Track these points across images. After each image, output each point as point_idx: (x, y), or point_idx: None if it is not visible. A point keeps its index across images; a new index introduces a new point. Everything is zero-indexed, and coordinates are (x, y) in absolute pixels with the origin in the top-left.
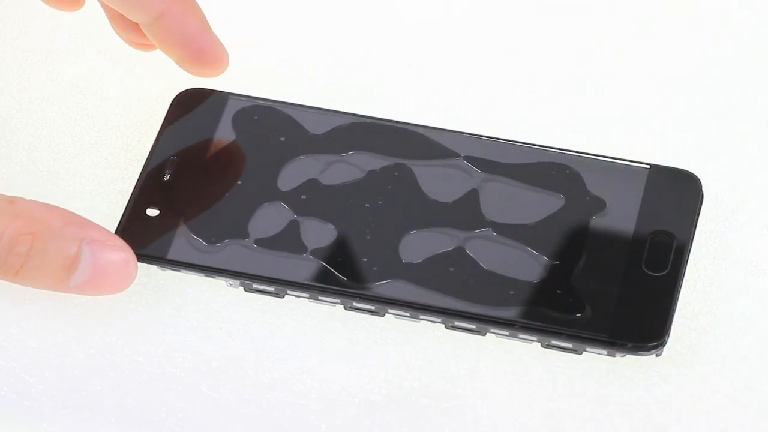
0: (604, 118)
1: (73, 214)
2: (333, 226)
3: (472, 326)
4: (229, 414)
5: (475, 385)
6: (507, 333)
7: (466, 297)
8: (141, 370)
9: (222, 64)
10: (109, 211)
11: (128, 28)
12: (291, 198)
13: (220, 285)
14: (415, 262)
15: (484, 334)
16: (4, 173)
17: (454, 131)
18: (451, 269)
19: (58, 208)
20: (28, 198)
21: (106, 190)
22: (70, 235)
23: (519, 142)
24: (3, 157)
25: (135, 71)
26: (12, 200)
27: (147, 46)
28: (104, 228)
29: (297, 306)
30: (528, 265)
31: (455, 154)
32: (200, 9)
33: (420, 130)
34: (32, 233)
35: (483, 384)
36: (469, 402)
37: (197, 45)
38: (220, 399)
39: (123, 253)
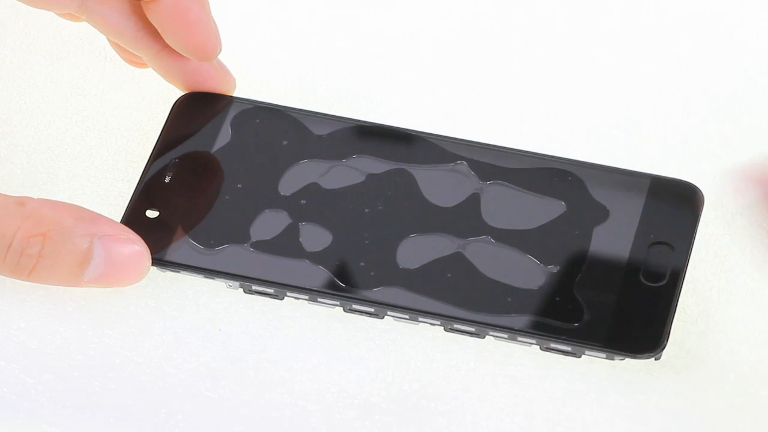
0: (605, 127)
1: (84, 209)
2: (333, 231)
3: (471, 329)
4: (228, 415)
5: (474, 386)
6: (506, 336)
7: (464, 303)
8: (140, 371)
9: (227, 91)
10: (109, 213)
11: (124, 48)
12: (291, 202)
13: (219, 286)
14: (414, 267)
15: (483, 337)
16: (4, 175)
17: (456, 138)
18: (450, 275)
19: (68, 205)
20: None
21: (106, 192)
22: (81, 232)
23: (520, 150)
24: (3, 159)
25: (136, 73)
26: (21, 201)
27: (143, 64)
28: (115, 222)
29: (296, 307)
30: (527, 272)
31: (457, 160)
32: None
33: (422, 136)
34: (42, 234)
35: (482, 386)
36: (468, 404)
37: (200, 76)
38: (220, 400)
39: (135, 245)
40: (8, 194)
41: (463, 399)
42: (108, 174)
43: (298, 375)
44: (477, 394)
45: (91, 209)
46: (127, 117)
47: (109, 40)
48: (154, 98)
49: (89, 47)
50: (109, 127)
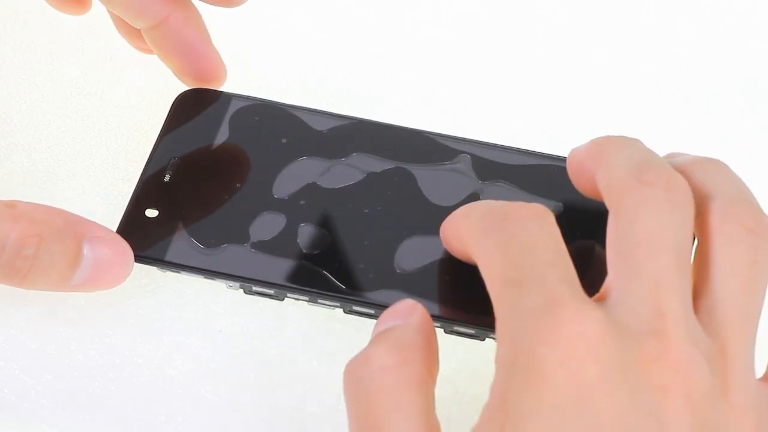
0: (605, 126)
1: (70, 213)
2: (333, 232)
3: (471, 331)
4: (228, 417)
5: (474, 387)
6: None
7: (464, 305)
8: (140, 372)
9: (218, 78)
10: (109, 212)
11: (132, 33)
12: (291, 203)
13: (219, 287)
14: (413, 268)
15: (483, 340)
16: (3, 174)
17: (456, 136)
18: (449, 277)
19: (55, 208)
20: (25, 200)
21: (106, 192)
22: (71, 234)
23: (521, 149)
24: (3, 158)
25: (136, 72)
26: (11, 204)
27: (151, 51)
28: (99, 224)
29: (296, 308)
30: None
31: (457, 159)
32: (202, 21)
33: (422, 134)
34: (37, 235)
35: (482, 387)
36: (468, 405)
37: (195, 56)
38: (220, 402)
39: (120, 246)
40: None
41: (462, 403)
42: (108, 173)
43: (298, 377)
44: (477, 396)
45: (91, 208)
46: (127, 116)
47: (111, 14)
48: (154, 97)
49: (89, 47)
50: (109, 126)
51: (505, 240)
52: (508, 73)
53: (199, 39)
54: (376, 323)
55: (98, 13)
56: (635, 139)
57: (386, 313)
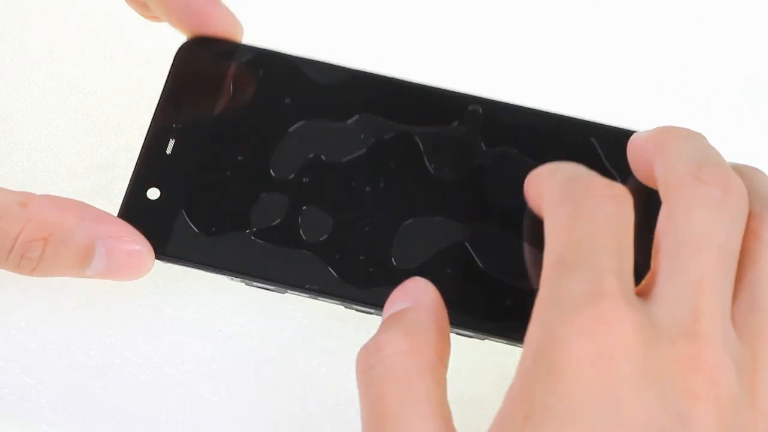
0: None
1: (89, 207)
2: (335, 218)
3: (470, 333)
4: (228, 416)
5: (473, 387)
6: (506, 341)
7: (465, 304)
8: (140, 372)
9: (234, 37)
10: (109, 211)
11: (138, 1)
12: (293, 184)
13: (220, 286)
14: (413, 266)
15: (483, 339)
16: (4, 173)
17: (468, 94)
18: (450, 271)
19: (72, 202)
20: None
21: (106, 191)
22: (83, 233)
23: (542, 110)
24: (3, 157)
25: (136, 71)
26: (24, 201)
27: (158, 19)
28: (120, 220)
29: (297, 307)
30: (530, 268)
31: (466, 120)
32: None
33: (434, 90)
34: (44, 238)
35: (482, 386)
36: (469, 405)
37: (205, 18)
38: (220, 401)
39: (137, 245)
40: (11, 190)
41: (461, 402)
42: (108, 172)
43: (298, 377)
44: (476, 396)
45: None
46: (127, 115)
47: None
48: (154, 97)
49: (89, 46)
50: (109, 125)
51: (577, 214)
52: (508, 73)
53: (207, 0)
54: (387, 303)
55: (98, 13)
56: (699, 134)
57: (396, 293)
